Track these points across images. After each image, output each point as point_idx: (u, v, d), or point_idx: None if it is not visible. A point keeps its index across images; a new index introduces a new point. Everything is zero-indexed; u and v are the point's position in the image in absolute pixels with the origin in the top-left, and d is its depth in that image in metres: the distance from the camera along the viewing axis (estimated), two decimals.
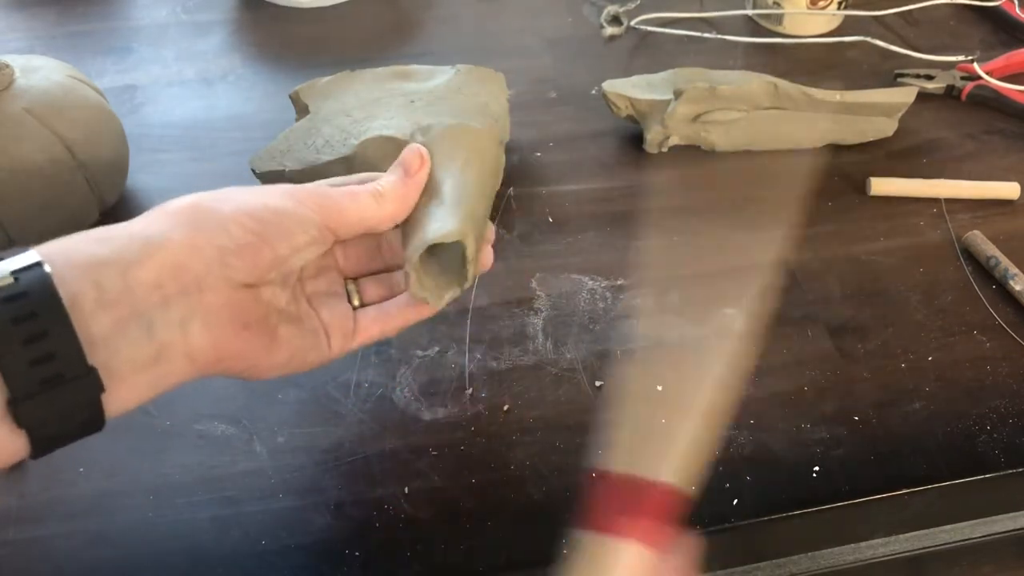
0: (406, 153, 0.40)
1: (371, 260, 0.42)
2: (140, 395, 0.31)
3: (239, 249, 0.33)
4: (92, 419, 0.30)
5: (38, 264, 0.29)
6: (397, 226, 0.40)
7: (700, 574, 0.47)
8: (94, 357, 0.29)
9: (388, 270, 0.43)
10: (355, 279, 0.42)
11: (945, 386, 0.49)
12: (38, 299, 0.28)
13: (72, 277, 0.29)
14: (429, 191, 0.40)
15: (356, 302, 0.41)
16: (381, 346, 0.49)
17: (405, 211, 0.39)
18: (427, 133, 0.43)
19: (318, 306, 0.39)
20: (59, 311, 0.28)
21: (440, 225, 0.38)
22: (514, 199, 0.59)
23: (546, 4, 0.77)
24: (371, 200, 0.38)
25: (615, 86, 0.61)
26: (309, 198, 0.36)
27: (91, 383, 0.29)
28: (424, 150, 0.40)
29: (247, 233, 0.34)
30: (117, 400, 0.30)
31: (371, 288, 0.42)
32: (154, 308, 0.31)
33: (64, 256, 0.29)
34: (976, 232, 0.56)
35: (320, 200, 0.36)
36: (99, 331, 0.29)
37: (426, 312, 0.41)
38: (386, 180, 0.39)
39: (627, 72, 0.63)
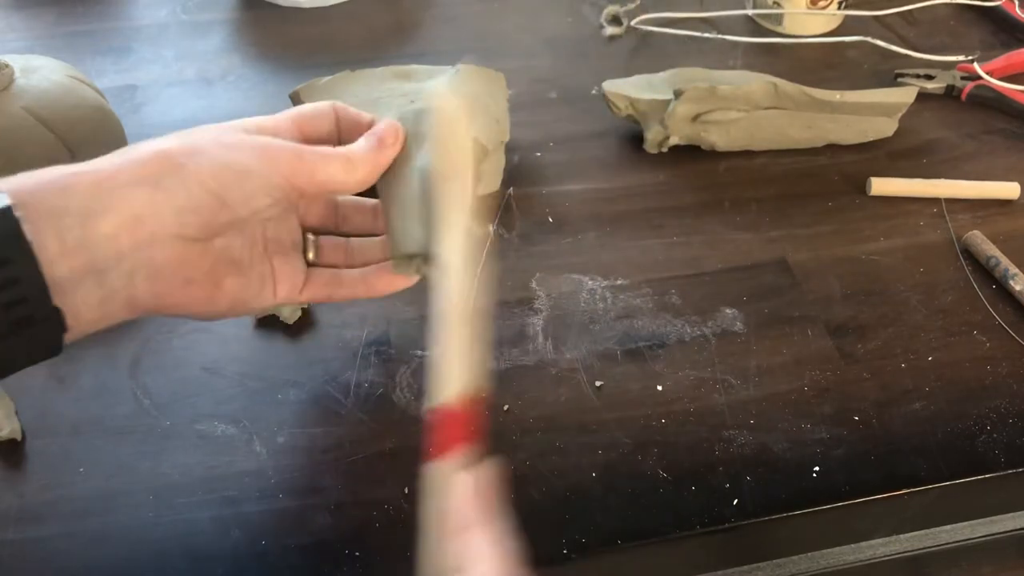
0: (383, 125, 0.41)
1: (325, 218, 0.45)
2: (82, 332, 0.34)
3: (196, 208, 0.35)
4: (52, 352, 0.33)
5: (8, 209, 0.31)
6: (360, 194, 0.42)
7: (697, 572, 0.47)
8: (54, 301, 0.32)
9: (339, 232, 0.45)
10: (315, 234, 0.44)
11: (945, 386, 0.49)
12: (10, 247, 0.31)
13: (38, 226, 0.31)
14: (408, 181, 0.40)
15: (311, 256, 0.43)
16: (381, 346, 0.49)
17: (372, 180, 0.40)
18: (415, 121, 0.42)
19: (273, 252, 0.41)
20: (30, 259, 0.31)
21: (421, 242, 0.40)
22: (514, 199, 0.59)
23: (546, 4, 0.77)
24: (341, 164, 0.38)
25: (615, 86, 0.61)
26: (282, 155, 0.37)
27: (56, 324, 0.32)
28: (400, 127, 0.41)
29: (207, 193, 0.35)
30: (69, 333, 0.33)
31: (329, 250, 0.45)
32: (108, 260, 0.33)
33: (32, 203, 0.31)
34: (976, 232, 0.56)
35: (294, 159, 0.37)
36: (59, 277, 0.32)
37: (377, 292, 0.43)
38: (358, 147, 0.40)
39: (627, 72, 0.63)
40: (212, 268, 0.37)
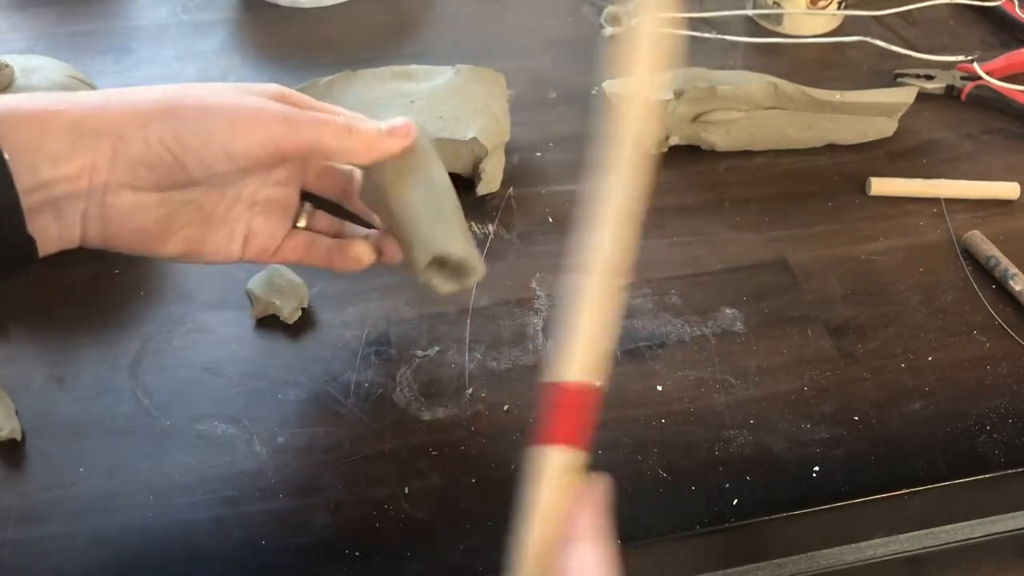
0: (397, 120, 0.41)
1: (334, 190, 0.45)
2: (44, 254, 0.36)
3: (151, 165, 0.36)
4: (14, 275, 0.36)
5: None
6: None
7: (697, 572, 0.47)
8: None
9: (344, 206, 0.45)
10: (316, 205, 0.45)
11: (945, 386, 0.49)
12: None
13: (16, 159, 0.33)
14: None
15: (302, 223, 0.44)
16: (381, 346, 0.49)
17: (369, 156, 0.40)
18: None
19: (259, 212, 0.42)
20: (12, 194, 0.33)
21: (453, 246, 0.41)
22: (514, 199, 0.59)
23: (546, 4, 0.77)
24: (336, 131, 0.38)
25: (615, 86, 0.61)
26: (267, 119, 0.37)
27: (31, 253, 0.35)
28: (415, 126, 0.41)
29: (164, 151, 0.36)
30: None
31: (322, 220, 0.45)
32: (67, 198, 0.35)
33: (12, 137, 0.33)
34: (976, 232, 0.56)
35: (279, 123, 0.37)
36: (27, 209, 0.34)
37: (350, 266, 0.44)
38: (363, 122, 0.40)
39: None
40: (168, 217, 0.38)
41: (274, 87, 0.40)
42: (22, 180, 0.33)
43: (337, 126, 0.38)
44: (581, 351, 0.32)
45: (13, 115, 0.33)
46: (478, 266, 0.42)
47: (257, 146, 0.37)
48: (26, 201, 0.33)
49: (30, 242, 0.34)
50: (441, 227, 0.41)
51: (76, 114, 0.35)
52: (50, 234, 0.36)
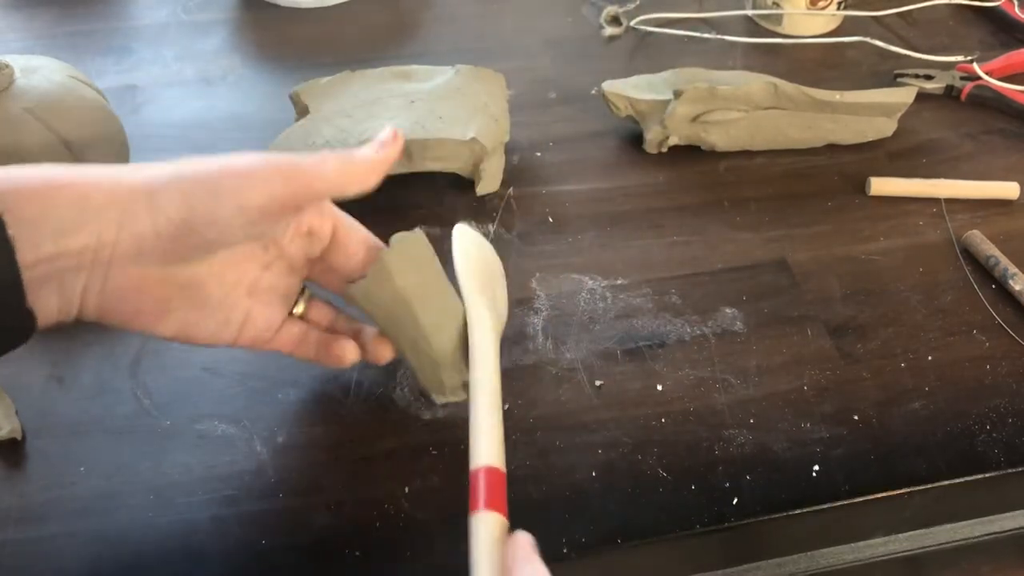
0: (381, 132, 0.41)
1: (332, 285, 0.45)
2: (42, 328, 0.36)
3: (159, 235, 0.35)
4: (11, 348, 0.35)
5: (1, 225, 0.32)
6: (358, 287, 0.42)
7: (697, 572, 0.47)
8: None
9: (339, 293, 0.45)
10: (308, 293, 0.45)
11: (945, 386, 0.49)
12: None
13: (21, 233, 0.32)
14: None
15: (299, 310, 0.44)
16: None
17: (373, 179, 0.40)
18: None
19: (256, 301, 0.41)
20: (14, 270, 0.32)
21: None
22: (514, 199, 0.59)
23: (546, 4, 0.77)
24: (337, 161, 0.39)
25: (615, 86, 0.61)
26: (280, 164, 0.37)
27: (27, 325, 0.34)
28: (400, 130, 0.42)
29: (174, 216, 0.35)
30: None
31: (320, 309, 0.45)
32: (68, 275, 0.35)
33: (16, 210, 0.32)
34: (976, 232, 0.56)
35: (288, 170, 0.37)
36: (28, 283, 0.33)
37: (333, 363, 0.44)
38: (357, 150, 0.40)
39: (627, 72, 0.63)
40: (166, 300, 0.38)
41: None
42: (25, 254, 0.33)
43: (336, 158, 0.39)
44: (486, 443, 0.39)
45: (20, 187, 0.33)
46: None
47: (269, 196, 0.37)
48: (28, 275, 0.33)
49: (29, 316, 0.34)
50: (462, 350, 0.44)
51: (83, 188, 0.34)
52: (50, 307, 0.35)
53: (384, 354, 0.44)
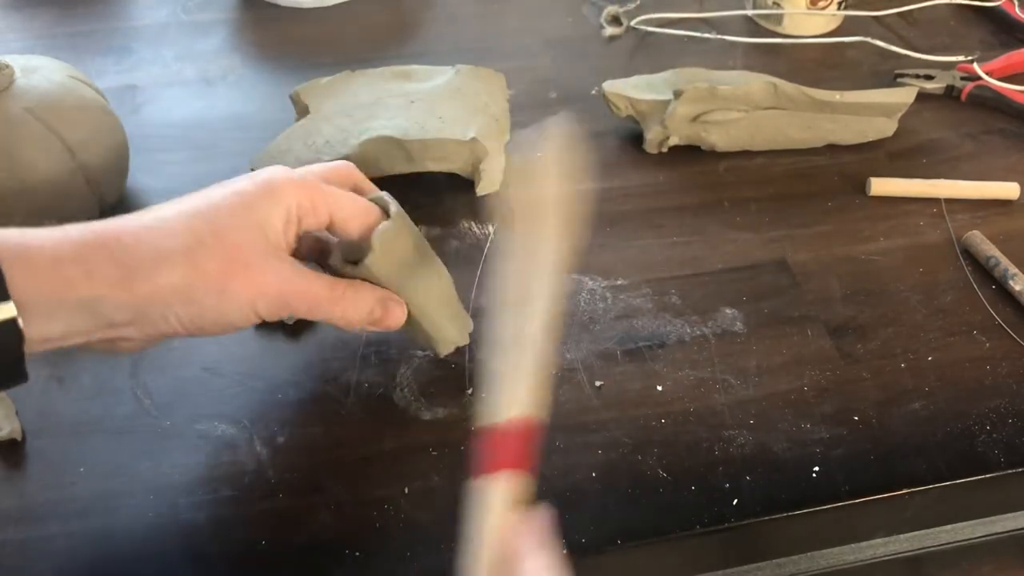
0: (394, 309, 0.43)
1: (311, 252, 0.45)
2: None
3: (167, 333, 0.37)
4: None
5: (13, 320, 0.33)
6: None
7: (697, 572, 0.47)
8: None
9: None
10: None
11: (945, 386, 0.49)
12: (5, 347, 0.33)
13: (30, 314, 0.33)
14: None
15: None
16: (381, 346, 0.49)
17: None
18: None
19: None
20: (16, 349, 0.33)
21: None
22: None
23: (546, 4, 0.77)
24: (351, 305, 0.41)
25: (615, 86, 0.61)
26: (289, 296, 0.39)
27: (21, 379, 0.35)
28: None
29: (182, 328, 0.37)
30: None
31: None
32: (71, 339, 0.36)
33: (35, 290, 0.33)
34: (976, 232, 0.56)
35: (300, 299, 0.40)
36: (31, 349, 0.34)
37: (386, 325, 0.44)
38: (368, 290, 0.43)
39: (627, 72, 0.63)
40: (161, 335, 0.38)
41: (322, 170, 0.42)
42: (33, 330, 0.33)
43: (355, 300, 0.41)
44: (511, 393, 0.36)
45: (34, 264, 0.34)
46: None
47: (278, 306, 0.39)
48: (32, 348, 0.34)
49: (23, 376, 0.35)
50: (452, 318, 0.46)
51: (96, 292, 0.34)
52: (47, 347, 0.35)
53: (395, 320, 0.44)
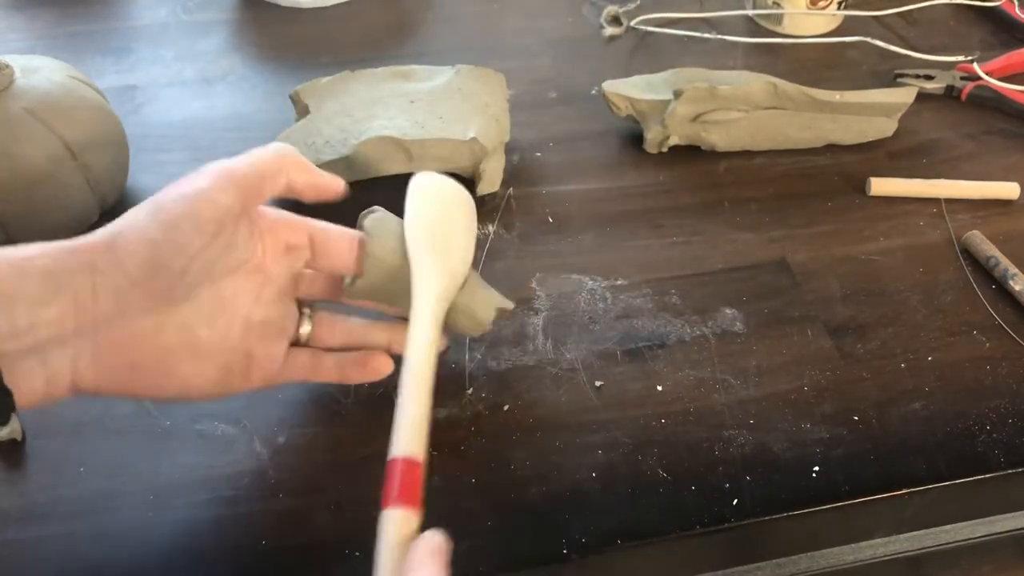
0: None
1: (327, 292, 0.45)
2: (29, 406, 0.35)
3: (134, 284, 0.35)
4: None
5: None
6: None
7: (697, 572, 0.47)
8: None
9: (340, 300, 0.44)
10: (312, 307, 0.44)
11: (945, 386, 0.49)
12: None
13: None
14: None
15: (305, 331, 0.44)
16: None
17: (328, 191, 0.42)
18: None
19: (256, 339, 0.40)
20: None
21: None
22: (514, 199, 0.59)
23: (546, 4, 0.77)
24: (287, 165, 0.40)
25: (615, 86, 0.61)
26: (223, 181, 0.37)
27: (7, 401, 0.33)
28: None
29: (139, 267, 0.35)
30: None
31: (326, 326, 0.44)
32: (51, 345, 0.34)
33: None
34: (976, 232, 0.56)
35: (238, 179, 0.38)
36: (6, 357, 0.33)
37: (352, 381, 0.44)
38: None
39: (627, 72, 0.63)
40: (163, 353, 0.37)
41: (247, 171, 0.39)
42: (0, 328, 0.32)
43: (285, 159, 0.40)
44: (406, 432, 0.38)
45: None
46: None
47: (217, 207, 0.37)
48: (3, 348, 0.32)
49: (5, 394, 0.33)
50: (481, 289, 0.45)
51: (48, 261, 0.34)
52: (34, 383, 0.34)
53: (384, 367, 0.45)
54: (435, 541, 0.34)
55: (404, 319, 0.42)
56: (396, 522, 0.35)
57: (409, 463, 0.37)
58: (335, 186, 0.42)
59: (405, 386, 0.39)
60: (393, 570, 0.33)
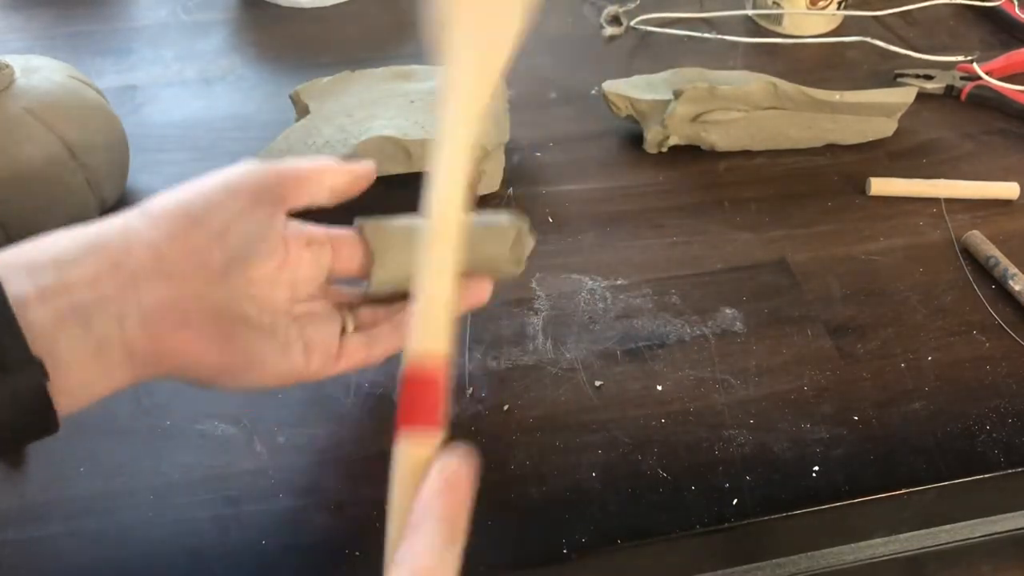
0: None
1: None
2: (89, 390, 0.32)
3: (171, 238, 0.34)
4: (42, 413, 0.31)
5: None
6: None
7: (697, 572, 0.47)
8: (36, 349, 0.30)
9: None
10: (351, 309, 0.42)
11: (945, 386, 0.49)
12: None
13: (12, 276, 0.30)
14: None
15: (350, 329, 0.41)
16: None
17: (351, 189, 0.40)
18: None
19: (306, 324, 0.39)
20: (2, 304, 0.29)
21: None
22: (514, 199, 0.59)
23: (546, 4, 0.77)
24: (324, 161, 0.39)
25: (615, 86, 0.61)
26: (255, 170, 0.37)
27: (35, 372, 0.30)
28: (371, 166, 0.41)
29: (174, 220, 0.34)
30: (66, 394, 0.31)
31: (367, 315, 0.43)
32: (91, 303, 0.31)
33: (4, 258, 0.31)
34: (976, 232, 0.56)
35: (264, 169, 0.37)
36: (40, 324, 0.30)
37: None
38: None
39: (627, 72, 0.63)
40: (215, 315, 0.35)
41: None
42: (23, 292, 0.30)
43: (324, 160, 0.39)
44: (420, 323, 0.31)
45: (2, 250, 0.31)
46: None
47: (253, 179, 0.36)
48: (33, 314, 0.30)
49: (32, 364, 0.30)
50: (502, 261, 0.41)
51: (70, 231, 0.33)
52: (82, 354, 0.31)
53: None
54: (447, 471, 0.29)
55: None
56: (409, 452, 0.29)
57: (421, 372, 0.30)
58: (369, 169, 0.41)
59: (425, 248, 0.32)
60: (406, 509, 0.28)
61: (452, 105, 0.33)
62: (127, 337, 0.33)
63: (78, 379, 0.32)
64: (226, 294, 0.35)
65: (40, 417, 0.31)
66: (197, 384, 0.36)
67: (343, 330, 0.41)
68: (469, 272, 0.38)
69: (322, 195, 0.39)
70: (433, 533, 0.28)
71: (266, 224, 0.37)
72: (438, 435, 0.30)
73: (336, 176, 0.39)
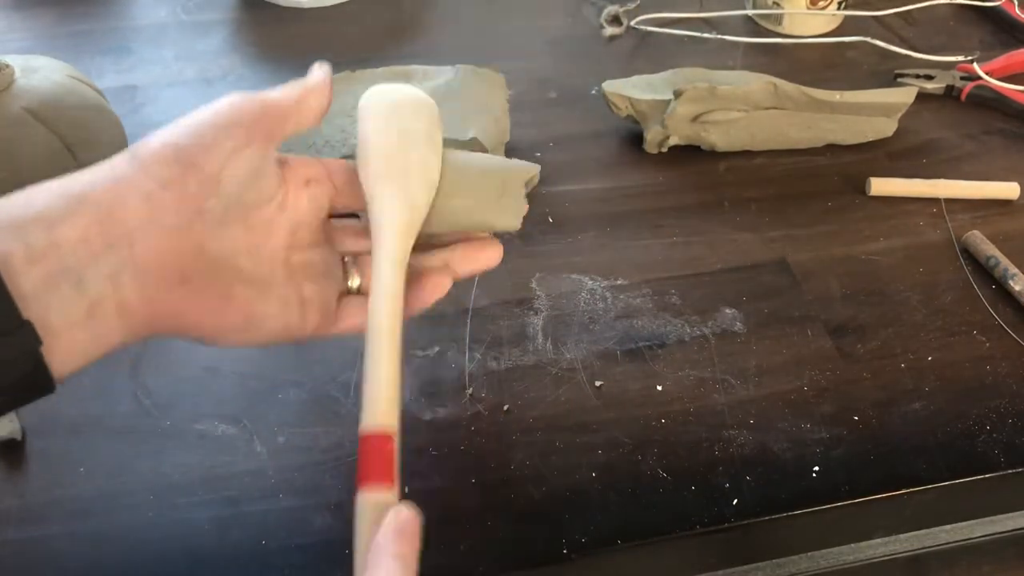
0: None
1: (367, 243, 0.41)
2: (83, 352, 0.31)
3: (164, 186, 0.32)
4: (37, 375, 0.30)
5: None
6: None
7: (697, 572, 0.47)
8: (27, 312, 0.29)
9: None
10: (356, 256, 0.40)
11: (945, 386, 0.49)
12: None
13: None
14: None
15: (354, 284, 0.40)
16: None
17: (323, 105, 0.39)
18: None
19: (304, 279, 0.38)
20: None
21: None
22: None
23: (546, 4, 0.77)
24: (294, 86, 0.38)
25: (615, 86, 0.61)
26: (242, 101, 0.36)
27: (27, 335, 0.29)
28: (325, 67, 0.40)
29: (167, 166, 0.33)
30: (60, 357, 0.30)
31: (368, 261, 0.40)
32: (82, 263, 0.30)
33: None
34: (976, 232, 0.56)
35: (250, 100, 0.36)
36: (30, 286, 0.29)
37: (416, 307, 0.40)
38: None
39: (627, 72, 0.63)
40: (210, 269, 0.34)
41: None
42: (12, 253, 0.29)
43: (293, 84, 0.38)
44: (373, 401, 0.34)
45: None
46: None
47: (245, 113, 0.35)
48: (24, 279, 0.29)
49: (23, 327, 0.29)
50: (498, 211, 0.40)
51: (59, 183, 0.31)
52: (74, 314, 0.30)
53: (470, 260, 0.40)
54: (400, 519, 0.32)
55: (456, 238, 0.40)
56: (368, 504, 0.32)
57: (380, 438, 0.33)
58: (326, 70, 0.39)
59: (370, 344, 0.35)
60: (366, 551, 0.31)
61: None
62: (121, 297, 0.31)
63: (71, 341, 0.31)
64: (223, 245, 0.34)
65: (37, 378, 0.30)
66: (190, 340, 0.36)
67: (347, 290, 0.40)
68: (462, 227, 0.40)
69: (310, 119, 0.38)
70: (390, 569, 0.30)
71: (260, 163, 0.36)
72: (393, 490, 0.33)
73: (320, 96, 0.38)
